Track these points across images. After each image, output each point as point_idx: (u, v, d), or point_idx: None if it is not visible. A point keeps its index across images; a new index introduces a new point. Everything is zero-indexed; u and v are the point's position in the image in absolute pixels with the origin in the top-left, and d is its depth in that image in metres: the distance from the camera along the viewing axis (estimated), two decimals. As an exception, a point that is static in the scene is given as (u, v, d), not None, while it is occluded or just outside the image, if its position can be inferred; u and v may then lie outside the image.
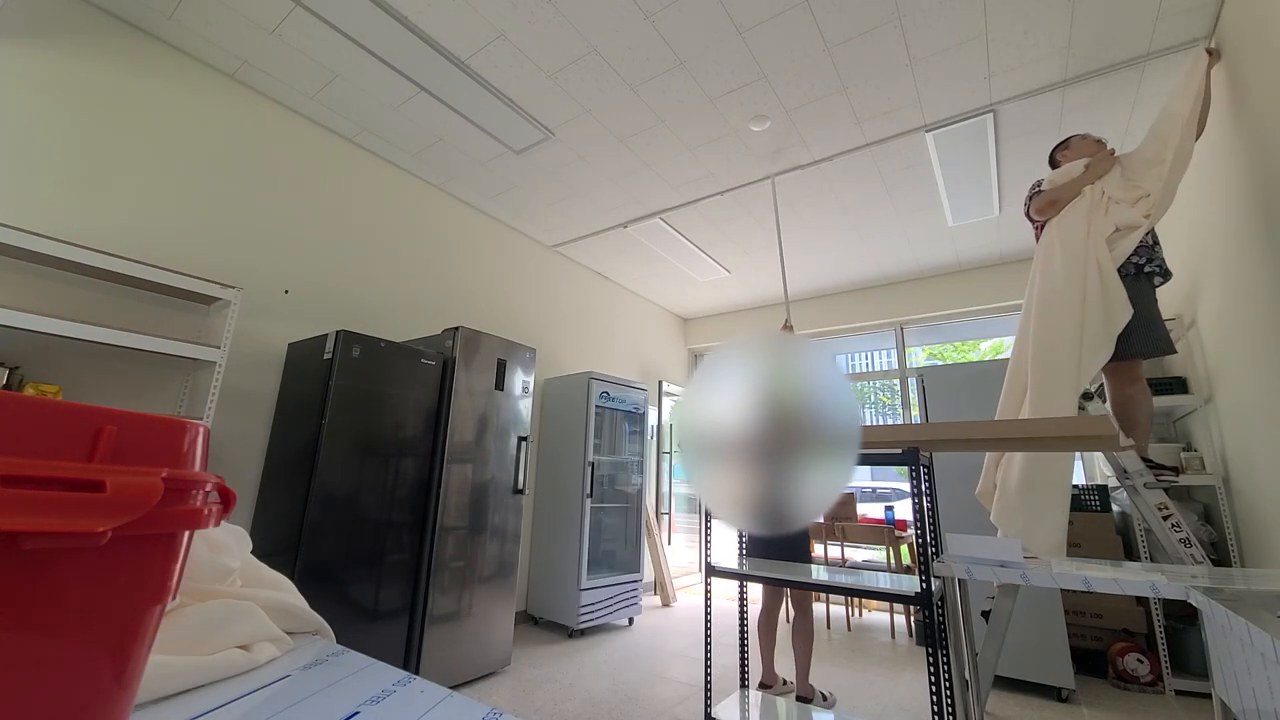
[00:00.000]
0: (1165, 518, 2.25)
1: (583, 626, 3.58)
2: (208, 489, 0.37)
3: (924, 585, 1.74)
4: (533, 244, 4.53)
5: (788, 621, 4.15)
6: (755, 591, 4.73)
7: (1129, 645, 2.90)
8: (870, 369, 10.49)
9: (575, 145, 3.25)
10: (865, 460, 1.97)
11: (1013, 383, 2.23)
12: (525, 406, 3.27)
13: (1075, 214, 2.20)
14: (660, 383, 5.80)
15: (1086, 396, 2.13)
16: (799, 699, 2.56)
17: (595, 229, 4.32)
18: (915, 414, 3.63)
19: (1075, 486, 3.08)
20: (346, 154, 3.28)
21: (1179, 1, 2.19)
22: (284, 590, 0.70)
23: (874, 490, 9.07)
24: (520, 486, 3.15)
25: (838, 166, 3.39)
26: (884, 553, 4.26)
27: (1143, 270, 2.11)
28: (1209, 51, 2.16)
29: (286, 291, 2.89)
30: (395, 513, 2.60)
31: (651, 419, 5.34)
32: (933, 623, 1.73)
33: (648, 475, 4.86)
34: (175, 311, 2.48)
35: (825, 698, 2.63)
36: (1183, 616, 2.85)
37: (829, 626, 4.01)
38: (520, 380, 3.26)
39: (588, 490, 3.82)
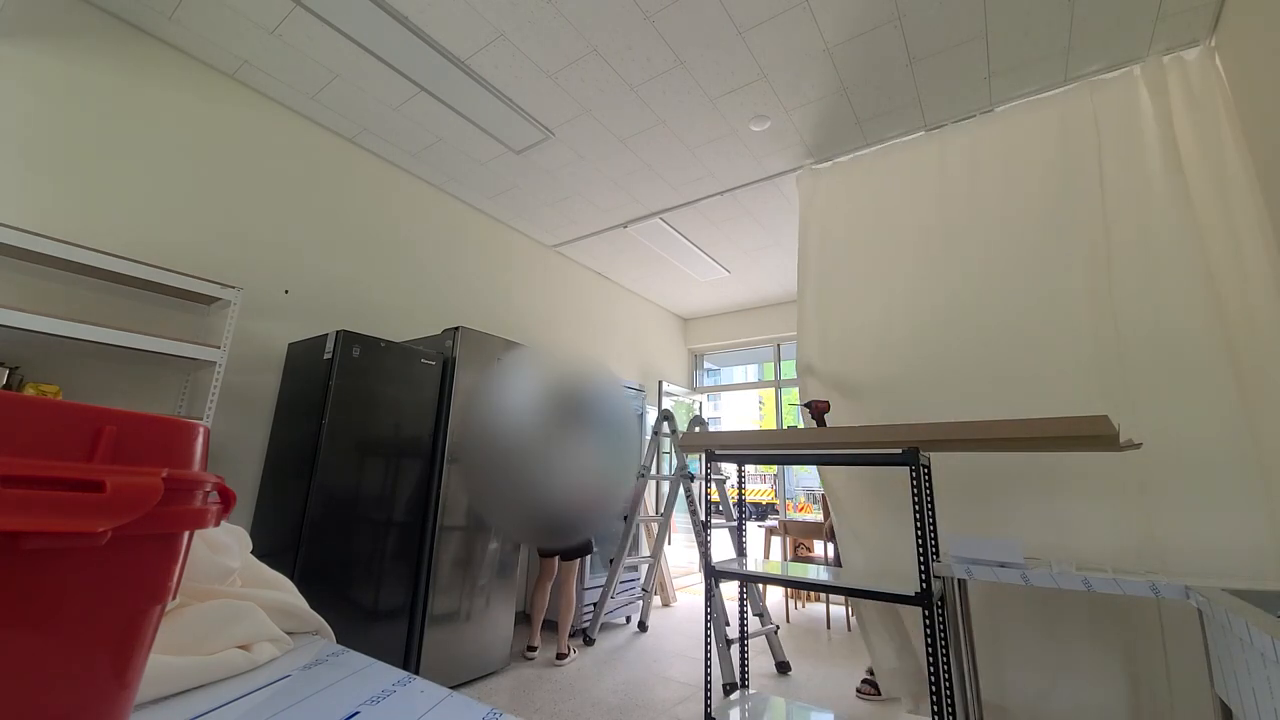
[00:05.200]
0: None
1: (583, 626, 3.58)
2: (208, 489, 0.37)
3: (924, 586, 1.74)
4: (533, 244, 4.53)
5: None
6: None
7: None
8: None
9: (575, 145, 3.25)
10: (865, 460, 1.97)
11: None
12: (525, 406, 3.27)
13: None
14: (660, 383, 5.80)
15: None
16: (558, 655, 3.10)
17: (595, 229, 4.32)
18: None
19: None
20: (346, 154, 3.28)
21: (1179, 1, 2.19)
22: (284, 590, 0.70)
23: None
24: (520, 486, 3.15)
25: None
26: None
27: None
28: None
29: (286, 291, 2.90)
30: (395, 513, 2.60)
31: (651, 419, 5.34)
32: (933, 623, 1.73)
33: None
34: (175, 311, 2.48)
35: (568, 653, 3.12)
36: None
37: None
38: (520, 380, 3.26)
39: (588, 490, 3.82)
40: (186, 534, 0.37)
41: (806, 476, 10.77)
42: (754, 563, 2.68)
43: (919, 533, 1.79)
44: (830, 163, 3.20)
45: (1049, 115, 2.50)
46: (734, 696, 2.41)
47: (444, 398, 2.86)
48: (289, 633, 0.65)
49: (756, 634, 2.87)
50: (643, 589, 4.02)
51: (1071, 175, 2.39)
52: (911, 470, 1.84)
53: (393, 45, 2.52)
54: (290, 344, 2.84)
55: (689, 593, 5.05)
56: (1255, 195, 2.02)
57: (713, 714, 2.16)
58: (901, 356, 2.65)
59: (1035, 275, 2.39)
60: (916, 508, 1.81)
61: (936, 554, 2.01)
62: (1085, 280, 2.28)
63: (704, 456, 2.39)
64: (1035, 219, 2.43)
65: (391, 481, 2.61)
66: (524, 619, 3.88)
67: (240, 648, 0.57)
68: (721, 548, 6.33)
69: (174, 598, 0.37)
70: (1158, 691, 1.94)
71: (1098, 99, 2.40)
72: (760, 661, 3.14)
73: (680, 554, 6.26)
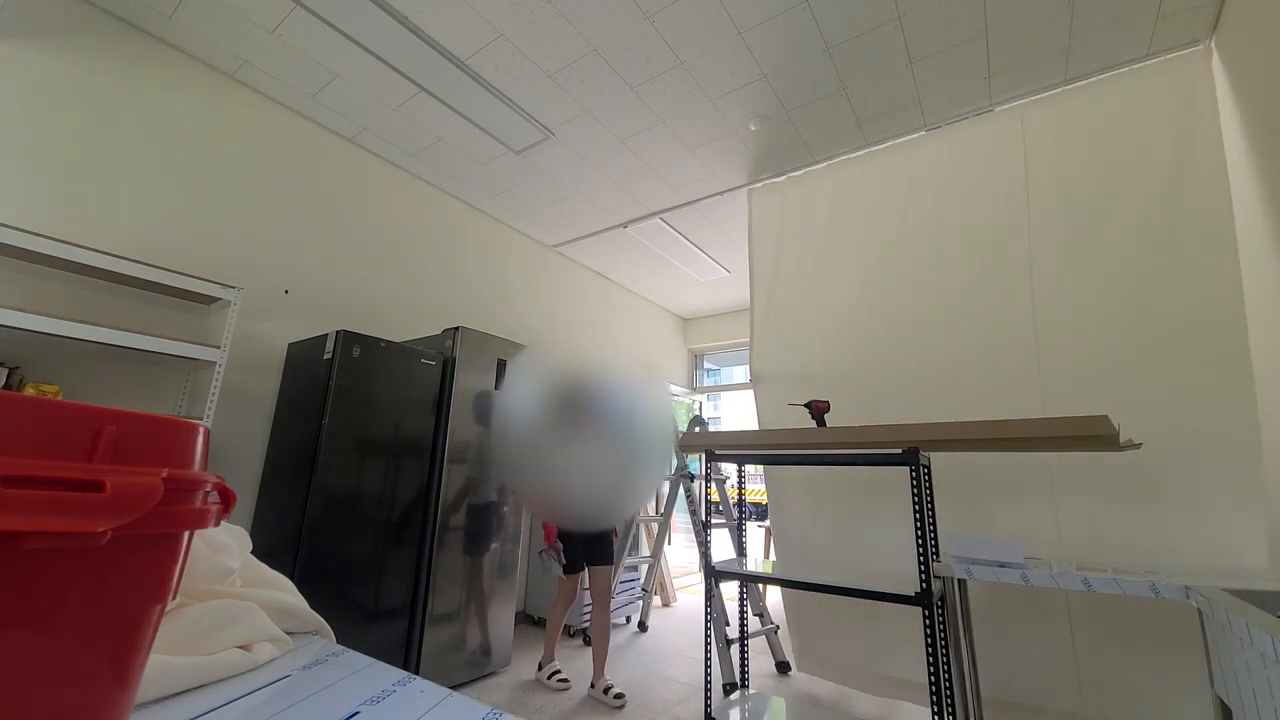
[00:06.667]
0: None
1: (583, 626, 3.58)
2: (208, 489, 0.37)
3: (924, 585, 1.74)
4: (533, 244, 4.53)
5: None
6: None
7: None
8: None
9: (575, 145, 3.25)
10: (865, 460, 1.97)
11: None
12: (525, 406, 3.27)
13: None
14: (660, 383, 5.80)
15: None
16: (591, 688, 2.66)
17: (595, 229, 4.32)
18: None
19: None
20: (346, 154, 3.28)
21: (1179, 1, 2.19)
22: (284, 590, 0.70)
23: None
24: (520, 486, 3.14)
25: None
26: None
27: None
28: None
29: (286, 291, 2.89)
30: (395, 512, 2.60)
31: (651, 419, 5.33)
32: (933, 623, 1.73)
33: (648, 475, 4.85)
34: (175, 311, 2.48)
35: (618, 695, 2.54)
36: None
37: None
38: (520, 380, 3.26)
39: (588, 490, 3.81)
40: (186, 534, 0.37)
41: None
42: (754, 563, 2.68)
43: (919, 532, 1.79)
44: (784, 177, 3.33)
45: (982, 134, 2.65)
46: (734, 696, 2.41)
47: (444, 398, 2.86)
48: (289, 633, 0.65)
49: (756, 634, 2.87)
50: (643, 589, 4.02)
51: (1011, 190, 2.51)
52: (911, 470, 1.84)
53: (393, 45, 2.52)
54: (290, 344, 2.84)
55: (689, 593, 5.05)
56: (1255, 195, 2.02)
57: (713, 714, 2.16)
58: (860, 366, 2.75)
59: (1000, 284, 2.45)
60: (916, 508, 1.81)
61: (936, 554, 2.01)
62: (1057, 286, 2.33)
63: (704, 456, 2.39)
64: (983, 232, 2.54)
65: (391, 481, 2.61)
66: (524, 619, 3.88)
67: (240, 648, 0.57)
68: (721, 548, 6.32)
69: (174, 598, 0.37)
70: (1158, 690, 1.94)
71: (1027, 120, 2.54)
72: (760, 661, 3.14)
73: (680, 554, 6.26)
